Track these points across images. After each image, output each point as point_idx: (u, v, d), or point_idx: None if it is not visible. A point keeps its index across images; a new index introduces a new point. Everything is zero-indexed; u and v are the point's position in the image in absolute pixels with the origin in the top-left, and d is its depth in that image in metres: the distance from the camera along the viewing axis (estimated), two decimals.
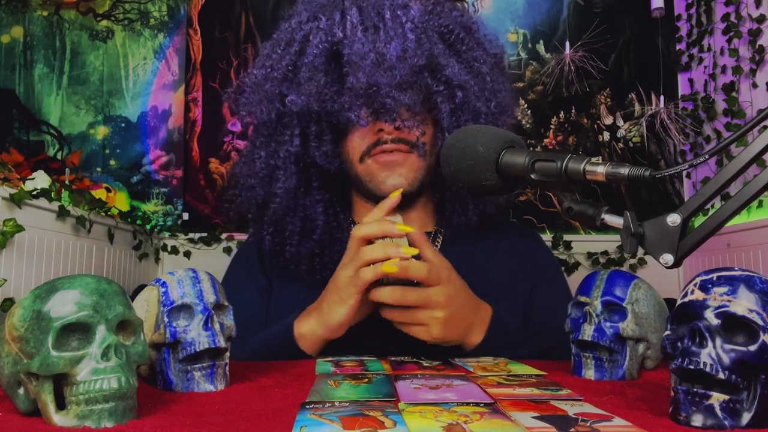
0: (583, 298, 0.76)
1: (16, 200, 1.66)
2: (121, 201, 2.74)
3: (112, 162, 2.78)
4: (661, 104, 2.62)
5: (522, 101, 2.68)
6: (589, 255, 2.57)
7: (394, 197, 0.91)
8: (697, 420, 0.50)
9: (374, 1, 1.01)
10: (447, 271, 0.87)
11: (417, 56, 0.96)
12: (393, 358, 0.86)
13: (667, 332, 0.55)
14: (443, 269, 0.86)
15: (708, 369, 0.49)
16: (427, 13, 1.03)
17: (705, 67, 2.48)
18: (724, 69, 2.38)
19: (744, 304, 0.50)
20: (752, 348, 0.49)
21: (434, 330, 0.84)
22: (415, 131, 1.01)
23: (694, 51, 2.54)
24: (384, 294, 0.83)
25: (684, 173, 2.56)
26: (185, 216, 2.73)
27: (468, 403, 0.56)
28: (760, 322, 0.49)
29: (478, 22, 1.13)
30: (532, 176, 0.63)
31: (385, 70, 0.94)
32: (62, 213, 1.87)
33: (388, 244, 0.83)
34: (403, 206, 1.09)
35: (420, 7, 1.03)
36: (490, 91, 1.06)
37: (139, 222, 2.51)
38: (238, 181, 1.10)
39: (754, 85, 2.21)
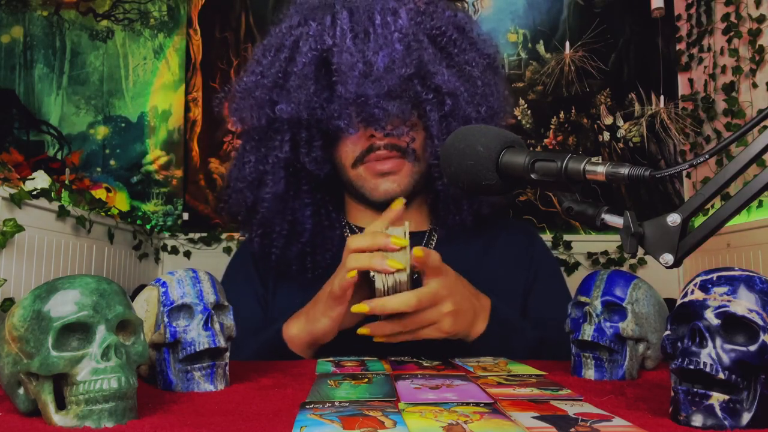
0: (583, 298, 0.76)
1: (16, 200, 1.66)
2: (121, 201, 2.74)
3: (112, 162, 2.78)
4: (661, 104, 2.62)
5: (522, 101, 2.68)
6: (589, 255, 2.57)
7: (397, 207, 0.87)
8: (697, 420, 0.50)
9: (365, 4, 1.00)
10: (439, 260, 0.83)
11: (405, 66, 0.96)
12: (393, 358, 0.86)
13: (667, 332, 0.55)
14: (436, 257, 0.83)
15: (708, 369, 0.49)
16: (419, 14, 1.02)
17: (705, 67, 2.48)
18: (724, 69, 2.38)
19: (744, 304, 0.50)
20: (752, 348, 0.49)
21: (445, 325, 0.83)
22: (405, 138, 1.01)
23: (694, 51, 2.54)
24: (400, 302, 0.79)
25: (684, 173, 2.57)
26: (185, 216, 2.73)
27: (468, 403, 0.56)
28: (760, 322, 0.49)
29: (472, 21, 1.12)
30: (532, 176, 0.63)
31: (373, 81, 0.94)
32: (62, 213, 1.87)
33: (374, 255, 0.79)
34: None
35: (412, 10, 1.02)
36: (482, 96, 1.05)
37: (139, 222, 2.51)
38: (230, 182, 1.11)
39: (754, 85, 2.21)
